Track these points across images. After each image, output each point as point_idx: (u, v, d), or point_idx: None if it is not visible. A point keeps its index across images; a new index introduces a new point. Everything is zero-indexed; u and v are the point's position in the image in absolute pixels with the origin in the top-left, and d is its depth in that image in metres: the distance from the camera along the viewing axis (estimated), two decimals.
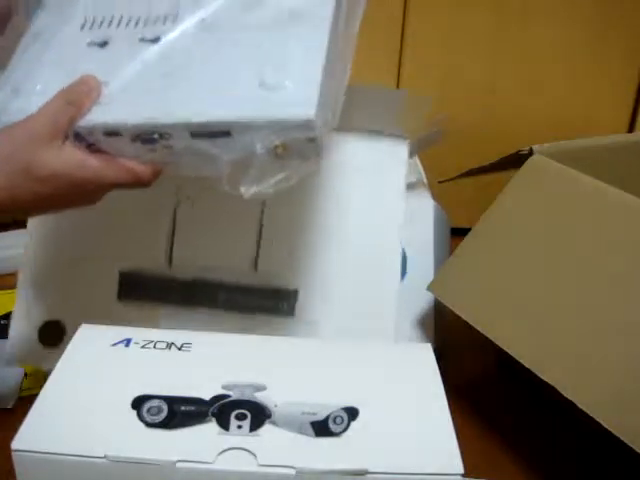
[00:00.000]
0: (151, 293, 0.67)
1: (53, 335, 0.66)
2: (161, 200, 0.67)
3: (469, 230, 0.67)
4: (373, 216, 0.67)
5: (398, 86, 0.95)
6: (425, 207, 0.72)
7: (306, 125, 0.44)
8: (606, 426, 0.50)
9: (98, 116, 0.48)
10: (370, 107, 0.66)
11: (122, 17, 0.52)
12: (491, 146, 0.83)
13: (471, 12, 0.91)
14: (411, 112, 0.66)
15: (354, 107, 0.61)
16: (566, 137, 0.71)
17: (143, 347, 0.50)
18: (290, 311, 0.66)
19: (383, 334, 0.65)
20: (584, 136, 0.74)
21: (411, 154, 0.71)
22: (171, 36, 0.50)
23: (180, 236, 0.67)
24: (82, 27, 0.53)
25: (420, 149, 0.75)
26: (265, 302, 0.66)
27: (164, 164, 0.50)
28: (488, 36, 0.93)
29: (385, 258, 0.67)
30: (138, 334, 0.51)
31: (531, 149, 0.67)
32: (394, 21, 0.92)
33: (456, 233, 0.75)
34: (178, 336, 0.52)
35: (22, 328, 0.67)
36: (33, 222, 0.68)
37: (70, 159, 0.48)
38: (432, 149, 0.74)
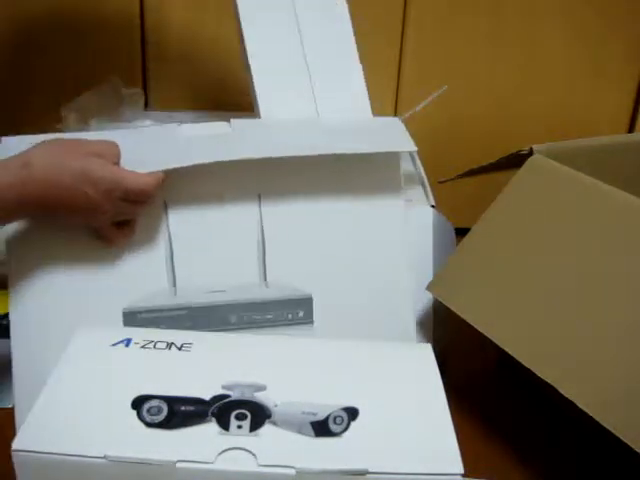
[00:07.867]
0: (159, 326, 0.62)
1: None
2: (153, 229, 0.63)
3: (469, 230, 0.67)
4: (375, 212, 0.67)
5: (398, 86, 0.95)
6: (424, 211, 0.72)
7: None
8: (606, 426, 0.50)
9: None
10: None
11: None
12: (491, 146, 0.83)
13: (471, 12, 0.91)
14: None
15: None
16: (566, 137, 0.71)
17: (143, 347, 0.50)
18: (308, 318, 0.64)
19: (404, 320, 0.66)
20: (584, 136, 0.74)
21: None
22: None
23: (180, 262, 0.63)
24: None
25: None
26: (281, 313, 0.64)
27: None
28: (488, 36, 0.93)
29: (394, 253, 0.66)
30: (138, 334, 0.51)
31: (531, 149, 0.67)
32: (394, 21, 0.92)
33: (456, 233, 0.75)
34: (178, 336, 0.52)
35: None
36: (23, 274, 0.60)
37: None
38: (432, 149, 0.74)
